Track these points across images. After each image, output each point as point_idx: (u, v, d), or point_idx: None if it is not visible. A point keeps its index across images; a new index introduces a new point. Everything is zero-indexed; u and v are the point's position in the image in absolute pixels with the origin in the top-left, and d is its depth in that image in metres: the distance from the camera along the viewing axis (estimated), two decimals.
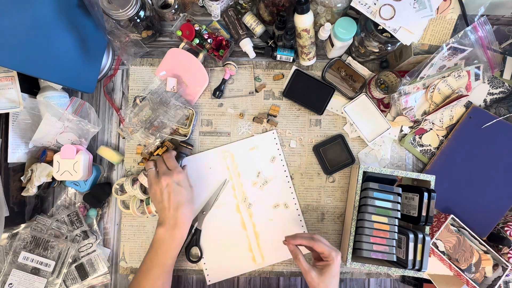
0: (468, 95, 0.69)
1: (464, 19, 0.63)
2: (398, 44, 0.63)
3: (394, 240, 0.63)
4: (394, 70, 0.71)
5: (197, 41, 0.70)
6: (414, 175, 0.67)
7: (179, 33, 0.70)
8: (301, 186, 0.74)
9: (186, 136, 0.72)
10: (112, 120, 0.75)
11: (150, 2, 0.71)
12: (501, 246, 0.68)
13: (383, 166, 0.74)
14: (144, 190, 0.71)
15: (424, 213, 0.64)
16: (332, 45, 0.67)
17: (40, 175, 0.65)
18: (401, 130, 0.74)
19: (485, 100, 0.74)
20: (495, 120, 0.70)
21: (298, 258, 0.59)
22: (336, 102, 0.75)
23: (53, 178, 0.67)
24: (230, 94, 0.75)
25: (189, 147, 0.71)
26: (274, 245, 0.72)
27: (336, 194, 0.74)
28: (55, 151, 0.67)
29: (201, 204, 0.73)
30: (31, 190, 0.65)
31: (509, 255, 0.66)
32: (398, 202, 0.64)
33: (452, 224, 0.69)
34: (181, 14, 0.73)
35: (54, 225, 0.70)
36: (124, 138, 0.74)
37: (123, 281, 0.72)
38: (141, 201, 0.71)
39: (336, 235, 0.73)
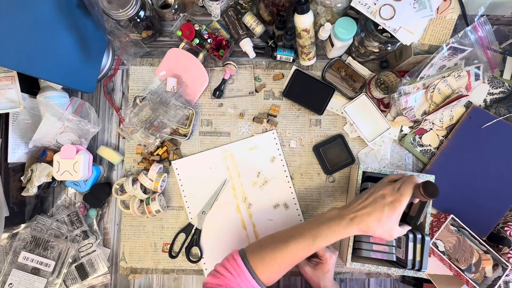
0: (468, 95, 0.69)
1: (464, 19, 0.63)
2: (398, 44, 0.63)
3: (394, 240, 0.63)
4: (394, 70, 0.71)
5: (197, 41, 0.70)
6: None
7: (179, 33, 0.70)
8: (301, 186, 0.74)
9: (186, 136, 0.72)
10: (112, 120, 0.75)
11: (150, 2, 0.71)
12: (501, 246, 0.68)
13: (383, 166, 0.74)
14: (144, 190, 0.71)
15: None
16: (332, 45, 0.67)
17: (40, 175, 0.65)
18: (401, 130, 0.74)
19: (485, 100, 0.74)
20: (495, 120, 0.70)
21: None
22: (336, 102, 0.75)
23: (53, 178, 0.67)
24: (230, 94, 0.75)
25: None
26: None
27: (336, 194, 0.74)
28: (55, 151, 0.67)
29: (201, 204, 0.73)
30: (31, 190, 0.65)
31: (509, 255, 0.66)
32: None
33: (452, 224, 0.69)
34: (181, 14, 0.73)
35: (54, 225, 0.70)
36: (124, 138, 0.74)
37: (123, 281, 0.72)
38: (141, 201, 0.71)
39: None
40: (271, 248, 0.54)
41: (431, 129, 0.74)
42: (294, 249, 0.53)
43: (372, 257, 0.63)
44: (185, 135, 0.72)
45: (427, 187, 0.50)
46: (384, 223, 0.51)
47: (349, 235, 0.53)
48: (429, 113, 0.71)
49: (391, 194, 0.52)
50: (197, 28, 0.71)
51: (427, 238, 0.63)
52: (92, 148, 0.74)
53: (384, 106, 0.74)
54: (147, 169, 0.72)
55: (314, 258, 0.65)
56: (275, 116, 0.75)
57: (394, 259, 0.63)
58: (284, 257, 0.54)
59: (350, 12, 0.69)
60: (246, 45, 0.73)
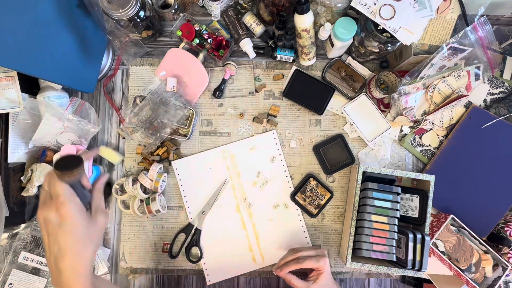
0: (468, 95, 0.69)
1: (464, 19, 0.63)
2: (398, 44, 0.63)
3: (394, 240, 0.63)
4: (394, 70, 0.71)
5: (197, 41, 0.70)
6: (414, 175, 0.66)
7: (179, 33, 0.70)
8: None
9: (186, 136, 0.72)
10: (112, 120, 0.75)
11: (150, 2, 0.71)
12: (501, 246, 0.68)
13: (383, 166, 0.74)
14: (144, 190, 0.71)
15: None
16: (332, 45, 0.67)
17: (40, 175, 0.65)
18: (401, 130, 0.74)
19: (485, 100, 0.74)
20: (495, 120, 0.70)
21: (292, 282, 0.62)
22: (336, 102, 0.75)
23: None
24: (230, 94, 0.75)
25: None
26: (274, 245, 0.72)
27: (336, 194, 0.74)
28: (55, 151, 0.67)
29: (201, 204, 0.73)
30: (31, 190, 0.65)
31: (509, 255, 0.66)
32: (398, 202, 0.64)
33: (452, 224, 0.69)
34: (181, 14, 0.73)
35: None
36: (124, 138, 0.74)
37: (123, 281, 0.72)
38: (141, 201, 0.71)
39: (336, 235, 0.73)
40: None
41: (431, 129, 0.74)
42: None
43: (372, 257, 0.63)
44: (185, 135, 0.72)
45: (57, 165, 0.43)
46: (81, 232, 0.42)
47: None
48: (429, 113, 0.71)
49: (51, 212, 0.42)
50: (197, 28, 0.71)
51: (427, 238, 0.63)
52: (92, 148, 0.74)
53: (384, 106, 0.74)
54: (147, 169, 0.72)
55: (311, 274, 0.63)
56: (275, 116, 0.75)
57: (394, 259, 0.63)
58: None
59: (350, 12, 0.69)
60: (246, 45, 0.73)
